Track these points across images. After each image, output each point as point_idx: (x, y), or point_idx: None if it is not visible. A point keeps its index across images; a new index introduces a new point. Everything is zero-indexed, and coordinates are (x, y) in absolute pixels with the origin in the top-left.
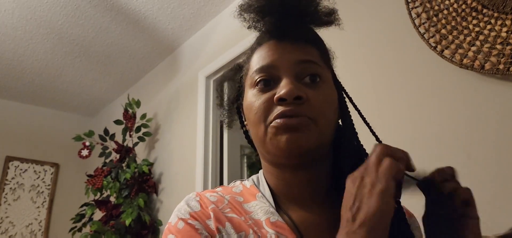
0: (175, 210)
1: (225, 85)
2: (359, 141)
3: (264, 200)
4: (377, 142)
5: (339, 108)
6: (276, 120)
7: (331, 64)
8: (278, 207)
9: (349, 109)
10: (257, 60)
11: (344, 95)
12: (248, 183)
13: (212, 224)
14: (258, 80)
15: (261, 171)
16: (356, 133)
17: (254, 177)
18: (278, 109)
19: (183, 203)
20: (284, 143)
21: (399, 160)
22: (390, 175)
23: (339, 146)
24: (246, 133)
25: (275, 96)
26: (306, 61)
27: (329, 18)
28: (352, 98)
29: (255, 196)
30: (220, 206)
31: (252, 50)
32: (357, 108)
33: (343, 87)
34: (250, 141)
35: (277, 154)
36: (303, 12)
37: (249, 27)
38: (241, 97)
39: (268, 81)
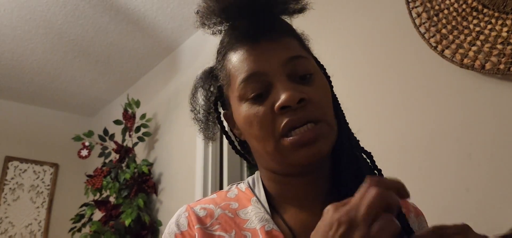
0: (167, 227)
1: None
2: (352, 134)
3: (259, 205)
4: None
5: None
6: (291, 137)
7: (310, 49)
8: (274, 211)
9: (336, 95)
10: (240, 69)
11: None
12: (243, 186)
13: None
14: (250, 93)
15: (257, 172)
16: (347, 124)
17: (249, 179)
18: (284, 119)
19: (174, 219)
20: (304, 157)
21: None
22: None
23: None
24: (232, 143)
25: (276, 105)
26: (293, 58)
27: (298, 3)
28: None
29: (250, 200)
30: (207, 223)
31: (223, 56)
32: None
33: (325, 69)
34: (238, 151)
35: (295, 167)
36: (272, 4)
37: (213, 34)
38: (221, 107)
39: (260, 92)
